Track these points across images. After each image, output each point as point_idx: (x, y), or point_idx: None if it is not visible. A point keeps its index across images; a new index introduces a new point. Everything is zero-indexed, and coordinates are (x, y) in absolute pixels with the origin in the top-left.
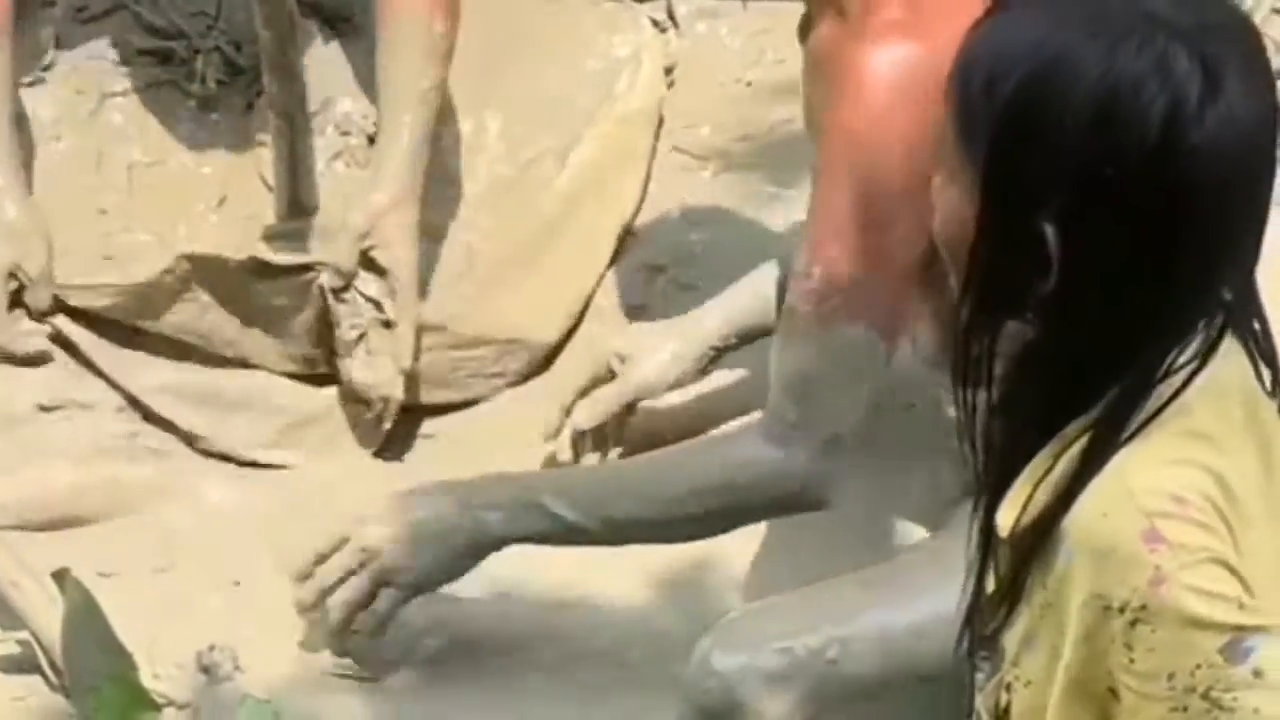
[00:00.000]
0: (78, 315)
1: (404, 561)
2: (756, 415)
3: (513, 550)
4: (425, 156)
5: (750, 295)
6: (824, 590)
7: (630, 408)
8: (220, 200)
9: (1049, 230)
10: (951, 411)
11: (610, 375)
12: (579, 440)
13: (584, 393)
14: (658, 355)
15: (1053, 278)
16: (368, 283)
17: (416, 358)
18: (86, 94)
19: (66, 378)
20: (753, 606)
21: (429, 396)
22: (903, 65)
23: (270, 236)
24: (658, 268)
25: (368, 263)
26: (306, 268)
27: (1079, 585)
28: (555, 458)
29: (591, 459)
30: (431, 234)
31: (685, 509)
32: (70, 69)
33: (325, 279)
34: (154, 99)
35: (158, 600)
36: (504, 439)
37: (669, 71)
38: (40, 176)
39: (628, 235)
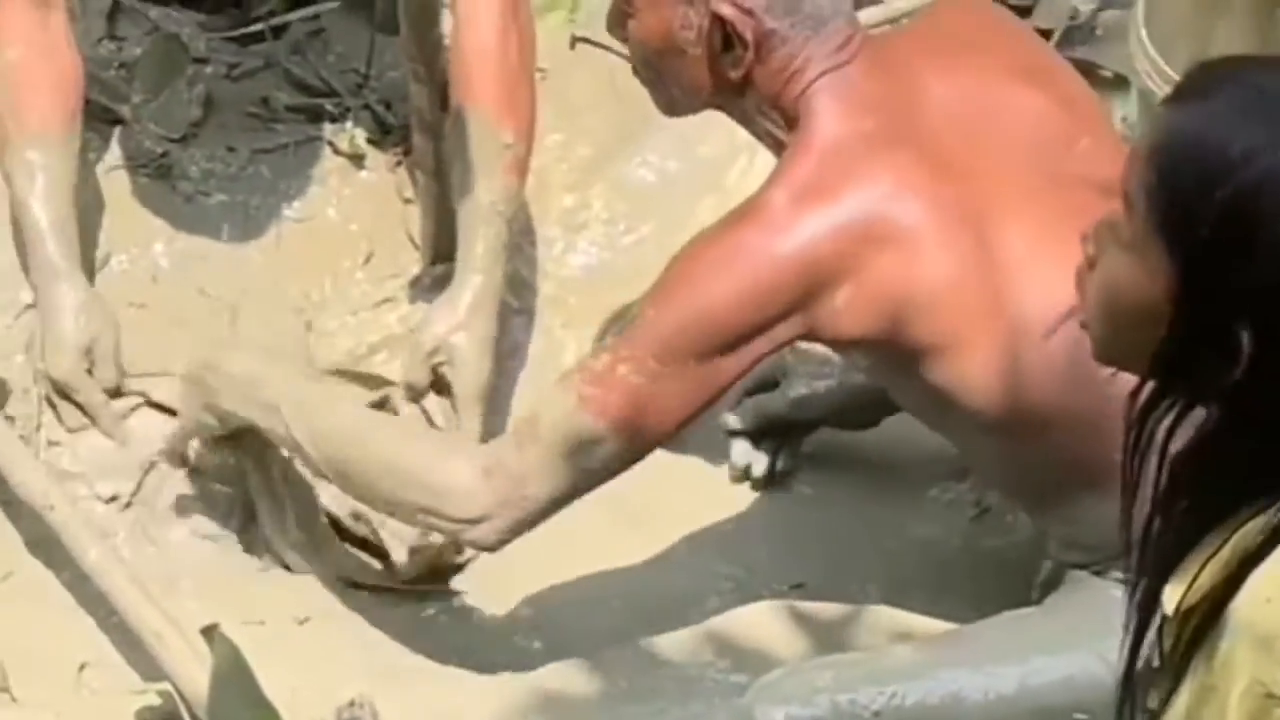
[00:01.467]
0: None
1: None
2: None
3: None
4: (499, 270)
5: None
6: (875, 653)
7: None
8: (367, 257)
9: (1245, 331)
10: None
11: None
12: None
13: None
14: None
15: (1240, 370)
16: (430, 401)
17: None
18: (237, 150)
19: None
20: (798, 665)
21: None
22: (755, 254)
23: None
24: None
25: (436, 380)
26: (384, 382)
27: (1241, 671)
28: None
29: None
30: (519, 310)
31: (369, 476)
32: (220, 125)
33: (395, 397)
34: (303, 156)
35: (298, 651)
36: None
37: None
38: (189, 232)
39: None
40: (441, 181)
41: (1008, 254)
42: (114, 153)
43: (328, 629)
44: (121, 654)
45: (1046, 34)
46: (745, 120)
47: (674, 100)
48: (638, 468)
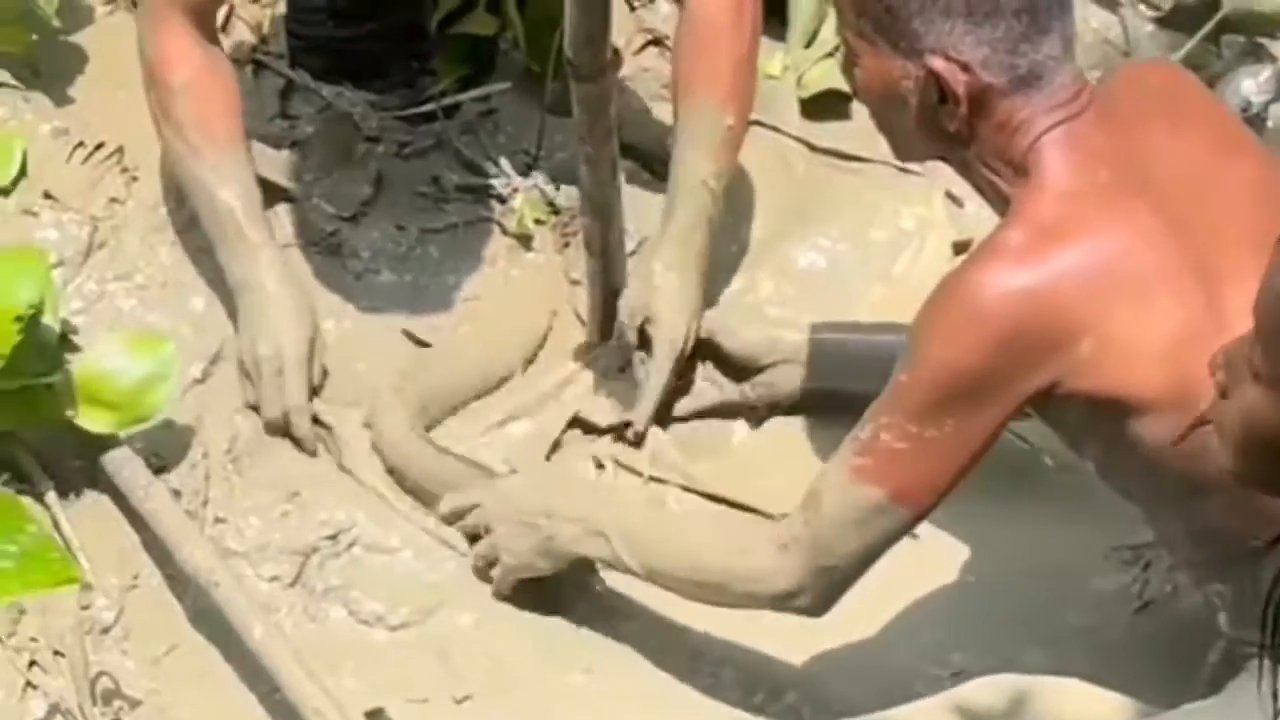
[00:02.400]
0: None
1: (511, 545)
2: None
3: None
4: (701, 240)
5: None
6: None
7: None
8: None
9: None
10: None
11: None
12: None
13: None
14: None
15: None
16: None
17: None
18: (407, 229)
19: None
20: None
21: None
22: (999, 295)
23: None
24: None
25: (643, 338)
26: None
27: None
28: None
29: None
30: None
31: (691, 577)
32: (390, 204)
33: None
34: (472, 235)
35: None
36: None
37: (962, 249)
38: (357, 309)
39: None
40: (609, 264)
41: (1234, 313)
42: (285, 230)
43: (488, 707)
44: None
45: None
46: (966, 169)
47: (901, 147)
48: None
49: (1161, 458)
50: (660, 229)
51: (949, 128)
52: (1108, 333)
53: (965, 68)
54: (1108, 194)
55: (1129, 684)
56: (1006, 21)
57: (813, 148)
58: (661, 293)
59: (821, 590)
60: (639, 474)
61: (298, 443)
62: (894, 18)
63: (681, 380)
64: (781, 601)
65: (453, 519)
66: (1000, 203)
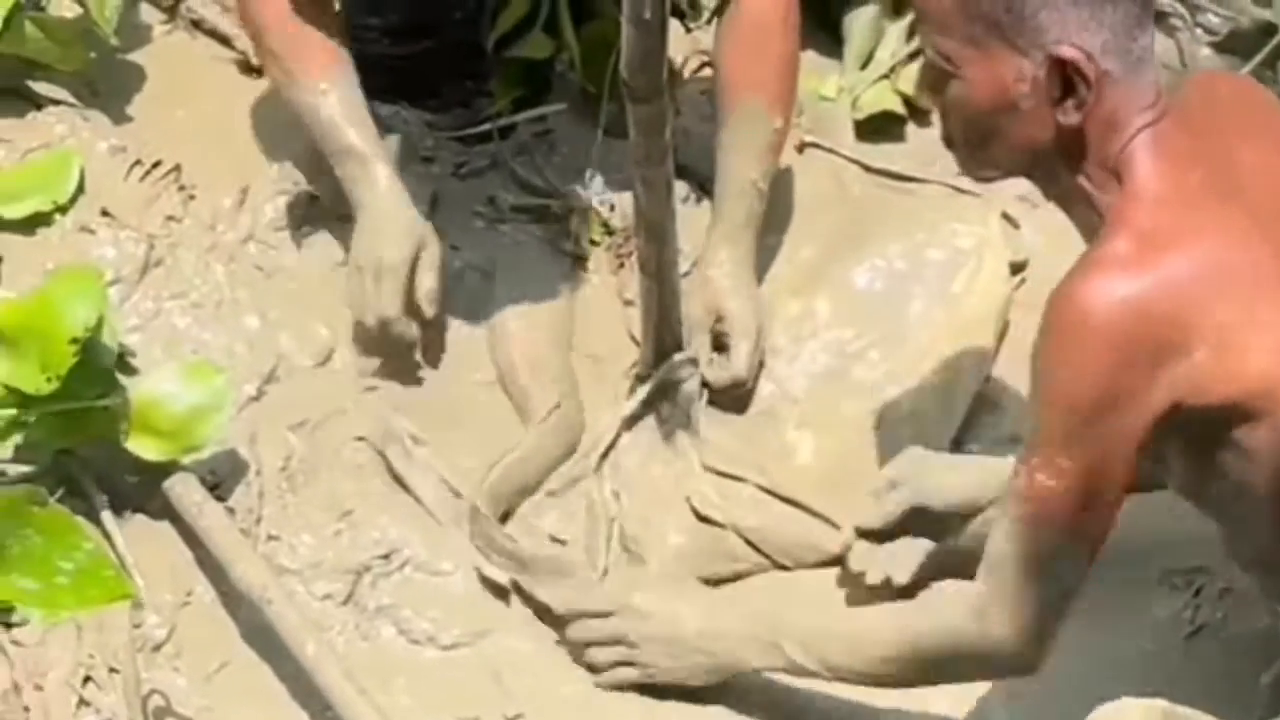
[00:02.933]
0: None
1: (662, 664)
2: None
3: None
4: (750, 239)
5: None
6: None
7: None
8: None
9: None
10: None
11: None
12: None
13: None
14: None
15: None
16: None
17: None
18: (460, 249)
19: None
20: None
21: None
22: (1111, 305)
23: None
24: None
25: (716, 340)
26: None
27: None
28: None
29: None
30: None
31: (887, 669)
32: (446, 223)
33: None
34: (527, 256)
35: None
36: None
37: (1019, 269)
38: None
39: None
40: (662, 284)
41: None
42: (340, 249)
43: None
44: None
45: None
46: (1051, 179)
47: (988, 161)
48: None
49: (1262, 466)
50: (710, 230)
51: (1067, 123)
52: (1221, 338)
53: (1090, 55)
54: (1202, 198)
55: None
56: (1126, 3)
57: (867, 169)
58: (726, 291)
59: (1032, 641)
60: (732, 476)
61: (396, 349)
62: (1016, 15)
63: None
64: (1003, 664)
65: (580, 646)
66: (1088, 211)
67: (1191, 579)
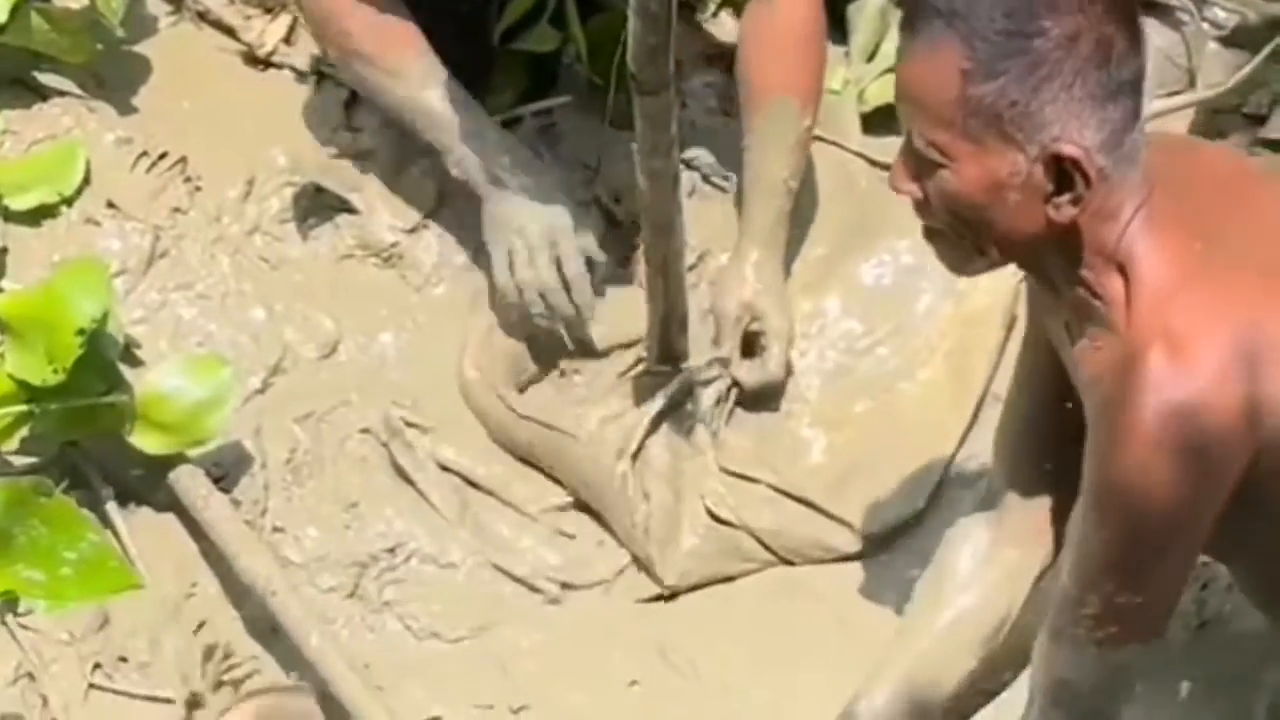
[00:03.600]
0: None
1: None
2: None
3: None
4: (782, 237)
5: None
6: None
7: None
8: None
9: None
10: None
11: None
12: None
13: None
14: None
15: None
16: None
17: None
18: (467, 243)
19: None
20: None
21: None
22: (1175, 409)
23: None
24: None
25: (744, 344)
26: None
27: None
28: None
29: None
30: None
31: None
32: (453, 217)
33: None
34: None
35: None
36: None
37: None
38: (416, 321)
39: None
40: (667, 277)
41: None
42: (346, 241)
43: (544, 717)
44: None
45: (1277, 145)
46: (1044, 269)
47: (974, 256)
48: None
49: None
50: (742, 229)
51: (1060, 219)
52: (1273, 398)
53: (1086, 150)
54: (1213, 265)
55: (1189, 701)
56: (1123, 99)
57: (874, 163)
58: (762, 292)
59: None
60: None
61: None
62: (1020, 110)
63: None
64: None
65: None
66: (1087, 296)
67: (1198, 573)
